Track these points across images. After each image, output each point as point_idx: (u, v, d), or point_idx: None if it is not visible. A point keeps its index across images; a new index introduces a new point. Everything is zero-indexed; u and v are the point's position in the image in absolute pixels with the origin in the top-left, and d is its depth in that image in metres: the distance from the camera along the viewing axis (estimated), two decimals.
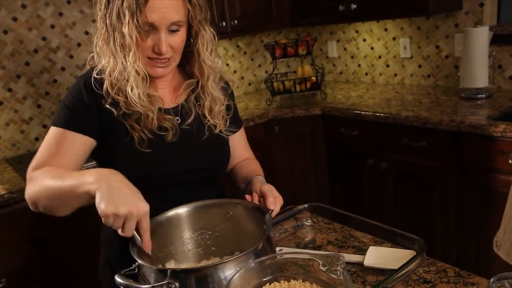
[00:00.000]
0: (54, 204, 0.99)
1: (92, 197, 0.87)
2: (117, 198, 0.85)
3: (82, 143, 1.08)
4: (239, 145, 1.33)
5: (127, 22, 1.01)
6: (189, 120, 1.18)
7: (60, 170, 1.00)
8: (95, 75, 1.10)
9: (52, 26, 2.55)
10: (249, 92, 3.57)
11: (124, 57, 1.05)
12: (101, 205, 0.85)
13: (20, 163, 2.35)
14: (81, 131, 1.08)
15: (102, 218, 0.86)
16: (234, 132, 1.30)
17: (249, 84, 3.58)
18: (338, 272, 0.78)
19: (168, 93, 1.20)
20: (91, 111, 1.09)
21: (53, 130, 1.08)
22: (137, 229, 0.89)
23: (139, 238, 0.90)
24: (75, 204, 0.97)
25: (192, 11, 1.09)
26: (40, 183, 0.99)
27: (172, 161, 1.15)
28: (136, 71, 1.06)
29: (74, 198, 0.93)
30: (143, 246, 0.91)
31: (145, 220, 0.88)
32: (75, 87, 1.12)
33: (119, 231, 0.88)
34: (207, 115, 1.20)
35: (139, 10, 1.00)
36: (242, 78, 3.52)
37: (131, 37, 1.02)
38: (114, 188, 0.87)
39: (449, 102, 2.44)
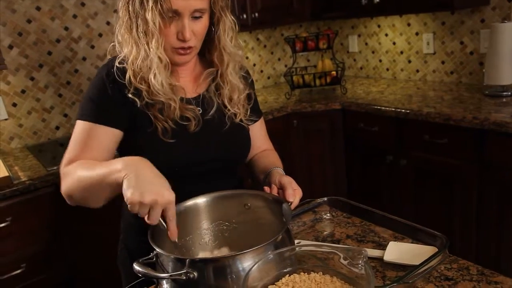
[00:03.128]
0: (87, 196, 1.00)
1: (120, 185, 0.88)
2: (143, 186, 0.85)
3: (111, 135, 1.09)
4: (259, 136, 1.33)
5: (150, 8, 1.01)
6: (211, 111, 1.18)
7: (91, 162, 1.01)
8: (117, 64, 1.10)
9: (75, 16, 2.57)
10: (268, 86, 3.56)
11: (147, 44, 1.05)
12: (127, 193, 0.85)
13: (41, 151, 2.39)
14: (109, 124, 1.08)
15: (128, 206, 0.86)
16: (255, 122, 1.29)
17: (268, 78, 3.56)
18: (360, 265, 0.76)
19: (190, 82, 1.20)
20: (116, 102, 1.09)
21: (80, 125, 1.08)
22: (163, 218, 0.89)
23: (165, 226, 0.90)
24: (107, 194, 0.97)
25: None
26: (73, 176, 1.00)
27: (195, 151, 1.15)
28: (159, 58, 1.06)
29: (105, 187, 0.93)
30: (169, 234, 0.91)
31: (171, 208, 0.88)
32: (97, 79, 1.11)
33: (146, 218, 0.88)
34: (227, 104, 1.19)
35: None
36: (262, 71, 3.51)
37: (154, 23, 1.02)
38: (141, 175, 0.87)
39: (473, 99, 2.39)
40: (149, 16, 1.02)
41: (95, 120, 1.08)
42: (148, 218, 0.87)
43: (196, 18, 1.07)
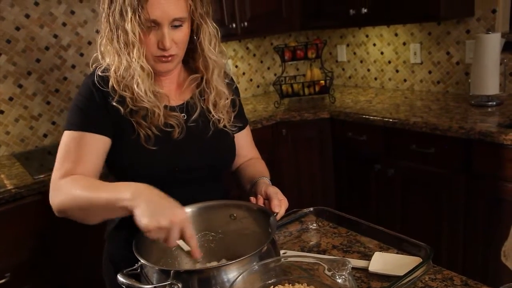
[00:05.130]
0: (86, 215, 1.00)
1: (130, 212, 0.89)
2: (157, 211, 0.86)
3: (101, 143, 1.09)
4: (244, 144, 1.33)
5: (129, 19, 1.02)
6: (195, 116, 1.18)
7: (90, 181, 1.01)
8: (99, 73, 1.11)
9: (64, 24, 2.56)
10: (257, 94, 3.57)
11: (129, 54, 1.06)
12: (143, 221, 0.85)
13: (28, 159, 2.37)
14: (99, 132, 1.08)
15: (145, 233, 0.86)
16: (239, 128, 1.30)
17: (258, 86, 3.58)
18: (344, 277, 0.77)
19: (174, 90, 1.21)
20: (101, 109, 1.10)
21: (70, 134, 1.08)
22: (183, 238, 0.90)
23: (186, 246, 0.91)
24: (110, 216, 1.01)
25: (193, 4, 1.10)
26: (71, 193, 0.99)
27: (178, 158, 1.15)
28: (141, 67, 1.07)
29: (110, 211, 0.96)
30: (192, 254, 0.91)
31: (188, 227, 0.89)
32: (84, 87, 1.12)
33: (164, 243, 0.89)
34: (211, 109, 1.20)
35: (140, 7, 1.02)
36: (251, 80, 3.52)
37: (134, 33, 1.03)
38: (151, 202, 0.88)
39: (459, 109, 2.42)
40: (128, 27, 1.03)
41: (84, 128, 1.07)
42: (168, 241, 0.87)
43: (176, 27, 1.08)
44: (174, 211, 0.88)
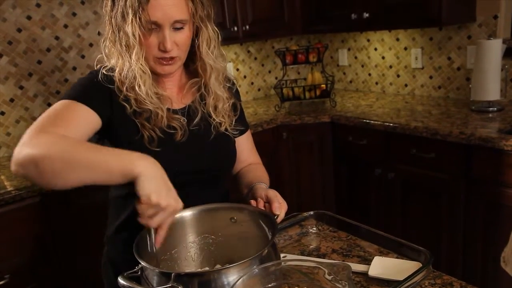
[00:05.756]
0: (66, 172, 0.87)
1: (130, 179, 0.87)
2: (162, 189, 0.87)
3: (89, 117, 1.04)
4: (245, 148, 1.33)
5: (130, 21, 1.03)
6: (196, 120, 1.18)
7: (81, 141, 0.97)
8: (104, 72, 1.11)
9: (66, 26, 2.57)
10: (258, 98, 3.57)
11: (130, 56, 1.07)
12: (146, 190, 0.86)
13: None
14: (91, 106, 1.04)
15: (140, 204, 0.87)
16: (241, 132, 1.30)
17: (259, 90, 3.58)
18: (343, 282, 0.77)
19: (176, 93, 1.21)
20: (104, 95, 1.09)
21: (62, 102, 1.03)
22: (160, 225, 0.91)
23: (153, 235, 0.92)
24: (94, 179, 0.89)
25: (193, 7, 1.10)
26: (54, 145, 0.88)
27: (180, 160, 1.15)
28: (141, 69, 1.07)
29: (102, 172, 0.88)
30: (155, 240, 0.92)
31: (172, 219, 0.91)
32: (89, 74, 1.12)
33: (143, 219, 0.88)
34: (212, 113, 1.20)
35: (141, 8, 1.02)
36: (252, 83, 3.52)
37: (134, 35, 1.04)
38: (161, 179, 0.89)
39: (460, 114, 2.42)
40: (129, 29, 1.03)
41: (77, 99, 1.03)
42: (151, 220, 0.88)
43: (177, 29, 1.08)
44: (175, 198, 0.90)
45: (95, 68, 1.16)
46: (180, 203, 0.91)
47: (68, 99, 1.04)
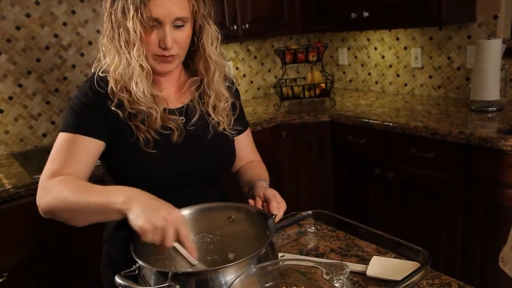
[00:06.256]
0: (74, 217, 1.00)
1: (123, 215, 0.89)
2: (151, 213, 0.86)
3: (93, 146, 1.08)
4: (245, 147, 1.33)
5: (131, 17, 1.02)
6: (194, 119, 1.18)
7: (80, 183, 1.00)
8: (99, 74, 1.11)
9: (65, 24, 2.56)
10: (257, 97, 3.57)
11: (129, 53, 1.06)
12: (138, 223, 0.86)
13: (27, 158, 2.36)
14: (91, 135, 1.07)
15: (141, 236, 0.86)
16: (239, 131, 1.29)
17: (258, 89, 3.58)
18: (341, 281, 0.76)
19: (174, 92, 1.20)
20: (98, 113, 1.09)
21: (63, 136, 1.08)
22: (178, 238, 0.90)
23: (182, 249, 0.91)
24: (100, 219, 0.98)
25: (196, 5, 1.09)
26: (60, 194, 0.98)
27: (177, 161, 1.14)
28: (140, 66, 1.07)
29: (101, 214, 0.95)
30: (189, 253, 0.92)
31: (183, 226, 0.89)
32: (82, 91, 1.12)
33: (160, 245, 0.88)
34: (211, 113, 1.20)
35: (143, 5, 1.01)
36: (252, 82, 3.52)
37: (135, 32, 1.03)
38: (145, 204, 0.88)
39: (459, 114, 2.41)
40: (130, 25, 1.03)
41: (76, 130, 1.07)
42: (164, 241, 0.87)
43: (178, 26, 1.08)
44: (168, 210, 0.88)
45: (93, 67, 1.15)
46: (174, 211, 0.89)
47: (68, 133, 1.07)
